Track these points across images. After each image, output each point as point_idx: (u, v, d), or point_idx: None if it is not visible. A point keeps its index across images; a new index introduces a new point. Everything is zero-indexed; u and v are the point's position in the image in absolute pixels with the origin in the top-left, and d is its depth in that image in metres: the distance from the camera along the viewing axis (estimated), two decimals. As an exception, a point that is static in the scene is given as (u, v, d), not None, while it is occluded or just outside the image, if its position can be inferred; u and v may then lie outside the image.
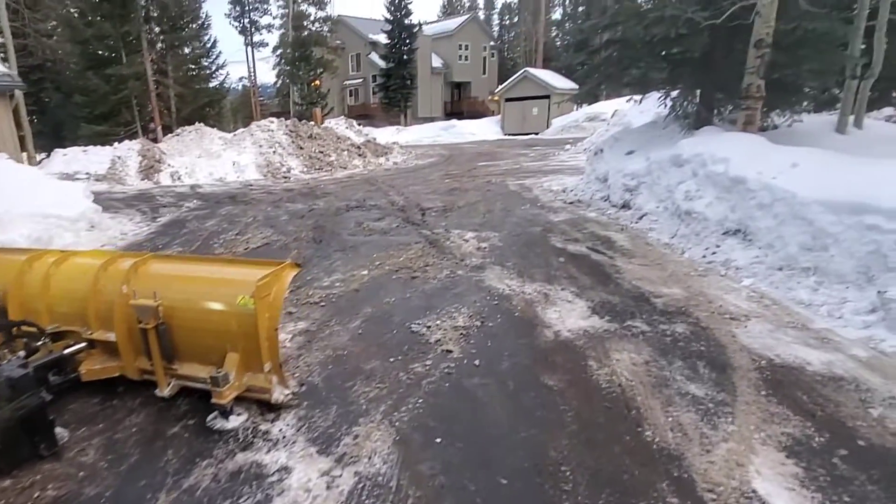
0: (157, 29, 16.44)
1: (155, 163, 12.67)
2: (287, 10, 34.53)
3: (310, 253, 5.85)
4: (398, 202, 8.86)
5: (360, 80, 44.59)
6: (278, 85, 41.30)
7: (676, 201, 6.45)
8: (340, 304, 4.35)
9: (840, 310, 3.58)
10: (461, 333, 3.72)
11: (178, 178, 12.47)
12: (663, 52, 7.59)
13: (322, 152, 14.90)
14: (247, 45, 35.91)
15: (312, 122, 16.87)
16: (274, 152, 14.09)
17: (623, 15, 7.70)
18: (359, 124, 23.75)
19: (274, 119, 15.69)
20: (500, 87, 37.92)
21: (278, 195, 10.31)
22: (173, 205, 9.56)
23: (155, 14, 16.64)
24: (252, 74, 37.26)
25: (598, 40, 9.19)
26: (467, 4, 73.17)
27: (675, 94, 8.33)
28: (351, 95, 45.83)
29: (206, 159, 13.26)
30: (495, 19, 70.73)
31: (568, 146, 19.98)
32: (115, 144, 13.69)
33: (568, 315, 3.98)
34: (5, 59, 14.79)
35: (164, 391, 3.13)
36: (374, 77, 42.78)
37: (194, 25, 17.82)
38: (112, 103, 16.46)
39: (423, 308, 4.19)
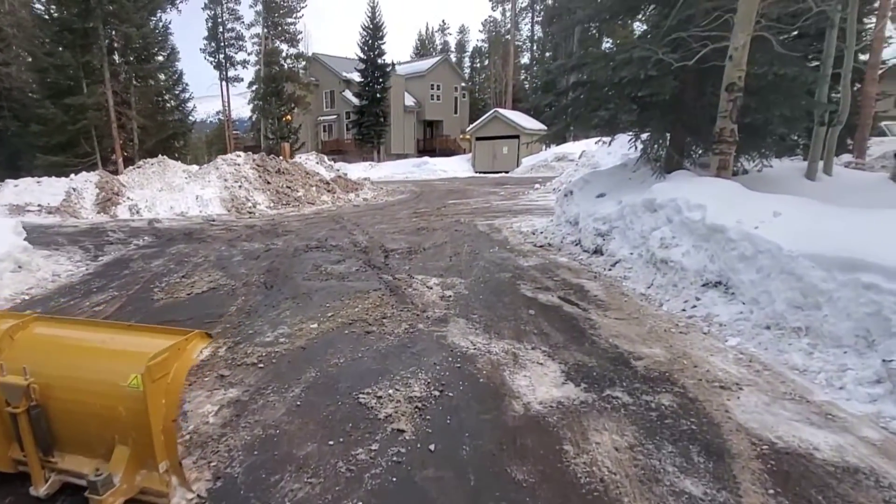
0: (119, 60, 15.75)
1: (113, 195, 11.87)
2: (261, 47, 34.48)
3: (258, 300, 5.23)
4: (361, 242, 8.33)
5: (334, 117, 44.55)
6: (253, 119, 40.86)
7: (651, 248, 6.12)
8: (281, 367, 3.74)
9: (841, 378, 3.18)
10: (416, 406, 3.17)
11: (137, 212, 11.68)
12: (632, 94, 7.43)
13: (290, 187, 14.33)
14: (222, 79, 35.49)
15: (281, 157, 16.36)
16: (240, 186, 13.45)
17: (590, 57, 7.55)
18: (331, 159, 23.37)
19: (241, 153, 15.12)
20: (471, 126, 38.35)
21: (238, 232, 9.65)
22: (122, 241, 8.80)
23: (118, 45, 16.00)
24: (226, 109, 36.70)
25: (564, 82, 9.06)
26: (440, 47, 75.00)
27: (645, 136, 8.17)
28: (325, 131, 45.66)
29: (167, 192, 12.53)
30: (466, 62, 72.59)
31: (537, 185, 19.93)
32: (72, 176, 12.85)
33: (539, 382, 3.47)
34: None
35: (41, 489, 2.48)
36: (348, 114, 42.81)
37: (160, 57, 17.18)
38: (70, 133, 15.62)
39: (376, 372, 3.62)
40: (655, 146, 7.88)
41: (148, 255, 7.53)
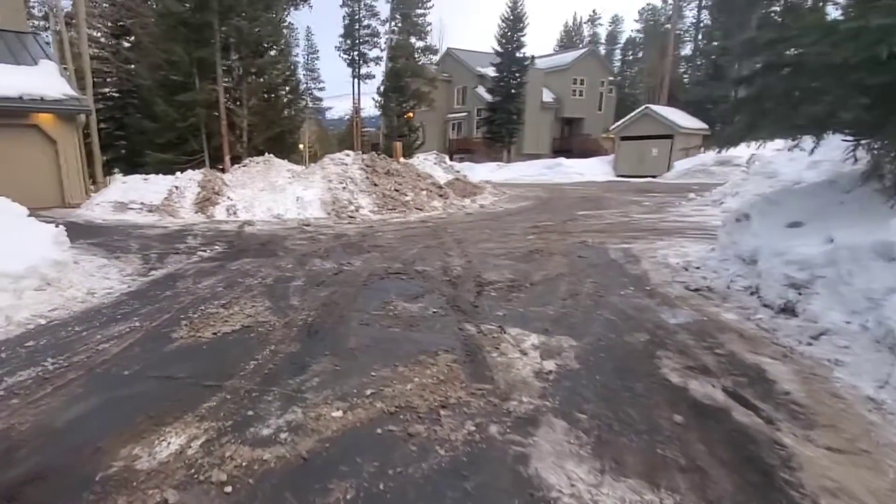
0: (234, 56, 16.29)
1: (213, 195, 12.10)
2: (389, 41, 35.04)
3: (287, 354, 4.12)
4: (455, 268, 7.00)
5: (464, 114, 44.24)
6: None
7: (887, 321, 3.94)
8: (261, 493, 2.52)
9: None
10: None
11: (234, 213, 11.75)
12: (862, 82, 5.10)
13: (398, 191, 13.61)
14: (354, 77, 36.89)
15: (393, 157, 15.81)
16: (344, 188, 13.02)
17: (798, 28, 5.35)
18: (457, 158, 22.74)
19: (350, 152, 14.78)
20: (617, 124, 35.33)
21: (320, 244, 8.92)
22: (191, 250, 8.50)
23: (233, 40, 16.59)
24: (356, 106, 38.14)
25: (739, 70, 6.81)
26: (587, 39, 71.63)
27: (871, 142, 5.70)
28: (453, 129, 45.61)
29: (268, 193, 12.50)
30: (616, 54, 68.38)
31: (691, 195, 17.02)
32: (178, 174, 13.48)
33: None
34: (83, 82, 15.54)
35: None
36: (479, 111, 42.20)
37: (273, 52, 17.58)
38: (180, 130, 16.59)
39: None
40: (894, 157, 5.40)
41: (205, 271, 6.97)
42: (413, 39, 35.08)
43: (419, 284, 6.10)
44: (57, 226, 5.96)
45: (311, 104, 55.17)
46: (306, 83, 54.87)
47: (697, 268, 6.91)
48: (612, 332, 4.67)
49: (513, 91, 39.44)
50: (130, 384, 3.62)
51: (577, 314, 5.14)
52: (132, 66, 18.25)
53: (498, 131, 39.80)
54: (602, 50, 61.34)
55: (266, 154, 14.55)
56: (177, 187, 12.46)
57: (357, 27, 36.36)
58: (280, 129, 17.90)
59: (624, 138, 33.57)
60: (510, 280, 6.35)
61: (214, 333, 4.50)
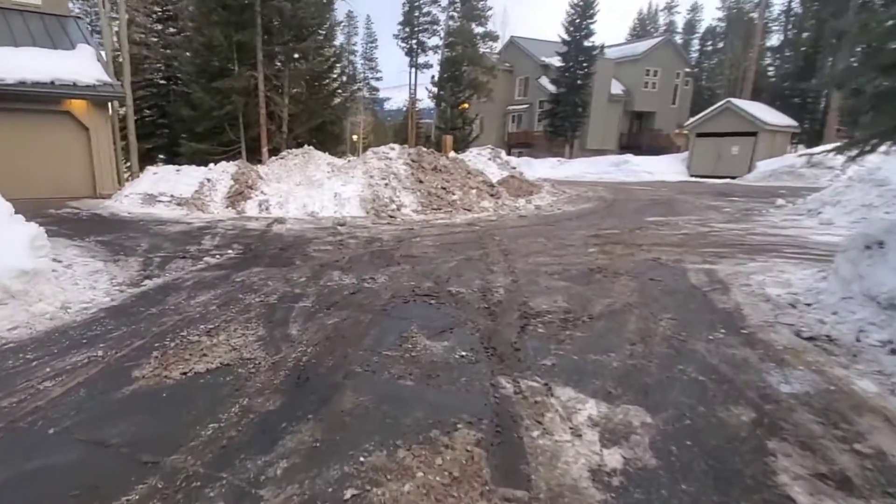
0: (276, 41, 15.49)
1: (246, 188, 11.53)
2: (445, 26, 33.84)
3: (262, 415, 3.19)
4: (497, 290, 5.90)
5: (526, 106, 42.69)
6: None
7: None
8: None
9: None
10: None
11: (266, 209, 11.12)
12: None
13: (445, 188, 12.60)
14: (411, 66, 36.12)
15: (441, 152, 14.83)
16: (386, 185, 12.15)
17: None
18: (516, 153, 21.41)
19: (395, 146, 13.88)
20: (692, 119, 32.88)
21: (347, 252, 8.00)
22: (203, 254, 7.76)
23: (276, 22, 15.81)
24: (412, 97, 37.43)
25: (835, 63, 5.24)
26: (663, 27, 68.09)
27: None
28: (514, 121, 44.17)
29: (305, 188, 11.81)
30: (694, 45, 64.55)
31: (780, 202, 15.05)
32: (211, 165, 13.00)
33: None
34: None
35: None
36: (541, 103, 40.57)
37: (320, 36, 16.60)
38: (216, 119, 16.07)
39: None
40: None
41: (204, 282, 6.17)
42: (473, 25, 33.67)
43: (450, 313, 5.05)
44: (41, 226, 5.36)
45: (367, 94, 55.14)
46: (363, 72, 54.87)
47: (808, 304, 5.49)
48: (700, 403, 3.46)
49: (579, 82, 37.49)
50: (48, 450, 2.81)
51: (651, 369, 3.95)
52: (176, 51, 17.98)
53: (560, 124, 38.02)
54: (678, 40, 57.80)
55: (305, 146, 13.88)
56: (209, 179, 11.99)
57: (416, 14, 35.51)
58: (322, 119, 17.03)
59: (700, 135, 31.08)
60: (564, 310, 5.19)
61: (184, 373, 3.65)
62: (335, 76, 19.46)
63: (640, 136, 42.78)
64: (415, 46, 35.57)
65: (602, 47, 38.60)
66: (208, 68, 16.22)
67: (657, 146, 39.58)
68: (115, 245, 8.12)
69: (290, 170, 12.67)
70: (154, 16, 16.10)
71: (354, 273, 6.52)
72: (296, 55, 15.57)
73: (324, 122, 16.87)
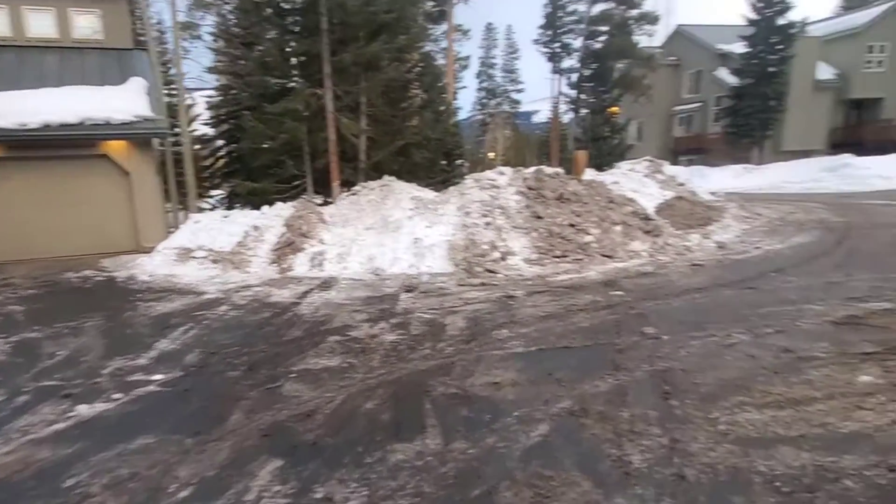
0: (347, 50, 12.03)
1: (299, 237, 8.84)
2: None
3: None
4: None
5: (697, 105, 36.21)
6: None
7: None
8: None
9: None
10: None
11: (319, 264, 8.30)
12: None
13: (574, 225, 8.74)
14: (554, 72, 32.23)
15: (573, 174, 10.94)
16: (488, 224, 8.68)
17: None
18: (683, 161, 16.55)
19: (505, 170, 10.25)
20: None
21: (347, 384, 4.56)
22: (94, 393, 4.36)
23: (336, 22, 12.45)
24: (555, 107, 33.47)
25: None
26: (885, -8, 55.16)
27: None
28: (681, 124, 37.79)
29: (375, 233, 8.84)
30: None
31: None
32: (265, 208, 10.49)
33: None
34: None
35: None
36: (718, 99, 33.96)
37: (402, 38, 12.87)
38: (273, 152, 13.22)
39: None
40: None
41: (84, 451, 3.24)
42: (623, 8, 28.47)
43: None
44: None
45: (508, 108, 52.20)
46: (503, 85, 51.86)
47: None
48: None
49: (771, 69, 30.30)
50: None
51: None
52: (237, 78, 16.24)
53: (745, 123, 31.08)
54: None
55: (385, 176, 10.79)
56: (255, 227, 9.55)
57: (560, 14, 31.69)
58: (404, 141, 13.55)
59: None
60: None
61: None
62: (424, 88, 15.89)
63: (859, 131, 33.68)
64: (558, 50, 31.66)
65: (803, 23, 30.94)
66: (266, 92, 13.83)
67: (885, 141, 30.43)
68: (20, 352, 5.54)
69: (363, 208, 9.84)
70: (236, 39, 14.57)
71: (302, 477, 3.08)
72: (361, 61, 12.25)
73: (407, 145, 13.48)
